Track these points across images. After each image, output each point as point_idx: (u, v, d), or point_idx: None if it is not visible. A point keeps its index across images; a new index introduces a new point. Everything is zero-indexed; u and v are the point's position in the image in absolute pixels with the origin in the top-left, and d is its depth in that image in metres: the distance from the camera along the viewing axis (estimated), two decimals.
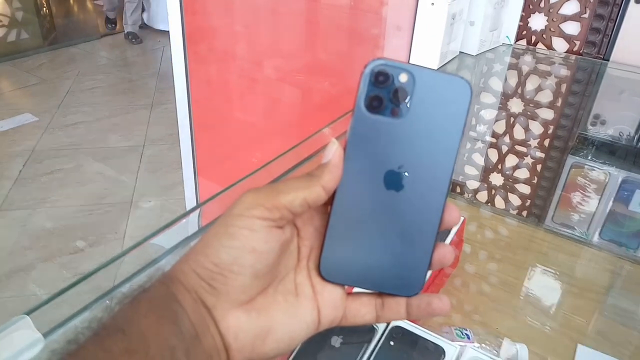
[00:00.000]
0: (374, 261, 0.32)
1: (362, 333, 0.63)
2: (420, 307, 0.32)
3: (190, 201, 1.26)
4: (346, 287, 0.33)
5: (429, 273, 0.33)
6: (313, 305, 0.32)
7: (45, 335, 0.38)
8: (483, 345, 0.75)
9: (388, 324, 0.63)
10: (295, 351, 0.63)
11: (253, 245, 0.29)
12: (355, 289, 0.33)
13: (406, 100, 0.30)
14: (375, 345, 0.61)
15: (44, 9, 3.97)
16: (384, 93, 0.31)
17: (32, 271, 1.80)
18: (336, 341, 0.63)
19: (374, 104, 0.31)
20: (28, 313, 0.38)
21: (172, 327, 0.27)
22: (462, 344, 0.62)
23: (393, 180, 0.31)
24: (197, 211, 0.56)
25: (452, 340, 0.62)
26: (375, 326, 0.64)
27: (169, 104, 3.03)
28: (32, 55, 3.73)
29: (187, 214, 0.55)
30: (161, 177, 2.35)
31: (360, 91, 0.31)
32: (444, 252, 0.32)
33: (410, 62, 0.90)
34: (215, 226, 0.30)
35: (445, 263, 0.32)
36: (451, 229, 0.82)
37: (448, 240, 0.84)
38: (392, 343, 0.61)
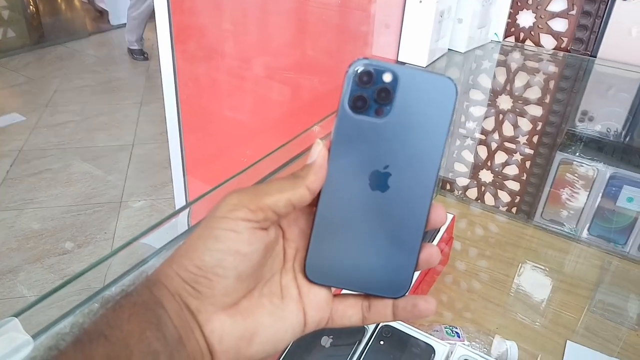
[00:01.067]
0: (360, 262, 0.32)
1: (352, 333, 0.63)
2: (406, 309, 0.32)
3: (180, 200, 1.25)
4: (333, 289, 0.33)
5: (416, 274, 0.33)
6: (299, 307, 0.32)
7: (34, 337, 0.37)
8: (473, 343, 0.75)
9: (378, 324, 0.63)
10: (285, 351, 0.62)
11: (237, 247, 0.28)
12: (343, 291, 0.33)
13: (390, 100, 0.30)
14: (366, 345, 0.61)
15: (31, 7, 3.92)
16: (368, 93, 0.30)
17: (20, 273, 1.78)
18: (326, 341, 0.63)
19: (358, 104, 0.30)
20: (17, 315, 0.38)
21: (156, 332, 0.26)
22: (452, 342, 0.62)
23: (378, 181, 0.31)
24: (187, 210, 0.56)
25: (442, 339, 0.62)
26: (365, 326, 0.64)
27: (158, 102, 3.01)
28: (19, 54, 3.68)
29: (176, 213, 0.54)
30: (150, 177, 2.33)
31: (344, 91, 0.30)
32: (431, 252, 0.32)
33: (399, 59, 0.90)
34: (199, 229, 0.30)
35: (432, 263, 0.32)
36: (439, 228, 0.83)
37: (437, 238, 0.84)
38: (382, 343, 0.61)
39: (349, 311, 0.33)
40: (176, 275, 0.29)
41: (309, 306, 0.32)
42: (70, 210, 2.10)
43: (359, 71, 0.30)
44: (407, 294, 0.32)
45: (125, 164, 2.43)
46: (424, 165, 0.30)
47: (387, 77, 0.30)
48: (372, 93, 0.30)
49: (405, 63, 0.89)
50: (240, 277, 0.29)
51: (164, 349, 0.26)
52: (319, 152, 0.31)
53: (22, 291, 1.71)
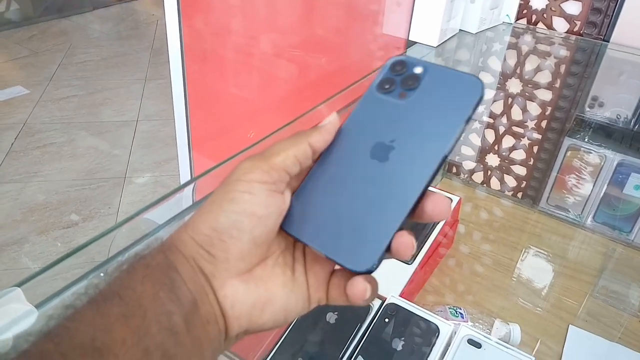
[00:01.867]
0: (334, 225, 0.31)
1: (357, 310, 0.64)
2: (340, 285, 0.31)
3: (185, 176, 1.25)
4: (333, 267, 0.33)
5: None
6: (305, 281, 0.32)
7: (37, 307, 0.38)
8: (476, 324, 0.76)
9: (383, 301, 0.64)
10: (290, 326, 0.63)
11: (253, 209, 0.29)
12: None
13: (415, 87, 0.32)
14: (370, 322, 0.62)
15: None
16: (397, 78, 0.33)
17: (24, 244, 1.79)
18: (331, 317, 0.63)
19: (385, 86, 0.33)
20: (20, 285, 0.38)
21: (169, 294, 0.27)
22: (457, 322, 0.63)
23: (379, 151, 0.31)
24: (191, 185, 0.56)
25: (446, 319, 0.62)
26: (370, 304, 0.65)
27: (163, 79, 2.99)
28: (23, 26, 3.65)
29: (181, 187, 0.54)
30: (154, 153, 2.33)
31: (376, 77, 0.33)
32: (405, 242, 0.29)
33: (410, 38, 0.89)
34: (214, 194, 0.30)
35: (402, 255, 0.29)
36: (436, 222, 0.81)
37: (440, 224, 0.83)
38: (386, 320, 0.62)
39: (335, 292, 0.32)
40: (191, 239, 0.29)
41: (310, 283, 0.32)
42: (74, 184, 2.11)
43: (394, 61, 0.33)
44: (371, 272, 0.30)
45: (129, 139, 2.43)
46: (429, 151, 0.30)
47: (417, 69, 0.32)
48: (400, 79, 0.33)
49: (415, 42, 0.88)
50: (254, 241, 0.29)
51: (177, 310, 0.26)
52: (331, 119, 0.32)
53: (27, 263, 1.72)
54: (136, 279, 0.27)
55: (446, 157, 0.30)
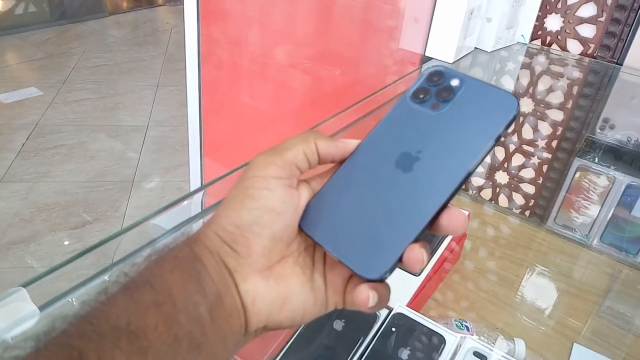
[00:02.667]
0: (350, 230, 0.31)
1: (364, 318, 0.64)
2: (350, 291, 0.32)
3: (195, 180, 1.26)
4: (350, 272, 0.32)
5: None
6: (324, 284, 0.33)
7: (41, 308, 0.38)
8: (481, 338, 0.76)
9: (390, 311, 0.64)
10: (297, 332, 0.63)
11: (272, 205, 0.30)
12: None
13: (449, 99, 0.31)
14: (377, 331, 0.62)
15: None
16: (432, 88, 0.32)
17: (31, 244, 1.80)
18: (338, 324, 0.63)
19: (420, 95, 0.32)
20: (25, 285, 0.38)
21: (196, 285, 0.28)
22: (462, 335, 0.63)
23: (405, 161, 0.31)
24: (201, 193, 0.56)
25: (452, 331, 0.63)
26: (377, 312, 0.65)
27: (175, 86, 3.02)
28: (39, 29, 3.70)
29: (190, 194, 0.55)
30: (164, 159, 2.35)
31: (412, 85, 0.33)
32: (416, 256, 0.29)
33: (426, 54, 0.90)
34: (233, 191, 0.31)
35: (412, 267, 0.29)
36: (450, 235, 0.81)
37: (448, 238, 0.83)
38: (393, 329, 0.62)
39: (350, 297, 0.32)
40: (215, 235, 0.30)
41: (329, 286, 0.33)
42: (83, 186, 2.12)
43: (432, 71, 0.33)
44: (381, 281, 0.30)
45: (139, 144, 2.45)
46: (455, 166, 0.30)
47: (454, 82, 0.32)
48: (436, 89, 0.32)
49: (431, 58, 0.89)
50: (274, 237, 0.30)
51: (203, 301, 0.27)
52: (347, 140, 0.33)
53: (32, 262, 1.73)
54: (165, 268, 0.28)
55: (471, 173, 0.30)
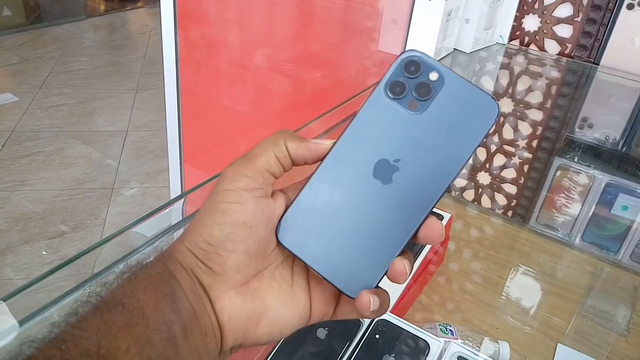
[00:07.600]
0: (331, 244, 0.30)
1: (347, 326, 0.63)
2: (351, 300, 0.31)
3: (175, 187, 1.24)
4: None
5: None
6: (306, 297, 0.32)
7: (20, 322, 0.37)
8: (466, 341, 0.76)
9: (374, 318, 0.63)
10: (280, 342, 0.62)
11: (244, 219, 0.29)
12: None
13: (428, 98, 0.29)
14: (361, 338, 0.61)
15: None
16: (409, 83, 0.30)
17: (8, 255, 1.76)
18: (322, 333, 0.63)
19: (396, 90, 0.30)
20: (5, 299, 0.37)
21: (170, 304, 0.27)
22: (447, 339, 0.63)
23: (383, 171, 0.29)
24: (182, 200, 0.55)
25: (436, 336, 0.62)
26: (361, 320, 0.64)
27: (154, 89, 2.99)
28: (14, 33, 3.63)
29: (171, 202, 0.54)
30: (144, 164, 2.32)
31: (387, 73, 0.30)
32: (400, 270, 0.29)
33: None
34: (205, 205, 0.30)
35: (396, 280, 0.29)
36: (427, 244, 0.80)
37: (428, 246, 0.83)
38: (377, 336, 0.61)
39: (349, 307, 0.32)
40: (188, 251, 0.29)
41: (316, 298, 0.32)
42: (61, 194, 2.08)
43: (408, 59, 0.30)
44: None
45: (118, 150, 2.41)
46: (436, 175, 0.29)
47: (433, 75, 0.29)
48: (413, 85, 0.30)
49: None
50: (249, 252, 0.29)
51: (177, 319, 0.26)
52: (321, 141, 0.31)
53: (10, 274, 1.69)
54: (138, 287, 0.27)
55: (452, 182, 0.29)
